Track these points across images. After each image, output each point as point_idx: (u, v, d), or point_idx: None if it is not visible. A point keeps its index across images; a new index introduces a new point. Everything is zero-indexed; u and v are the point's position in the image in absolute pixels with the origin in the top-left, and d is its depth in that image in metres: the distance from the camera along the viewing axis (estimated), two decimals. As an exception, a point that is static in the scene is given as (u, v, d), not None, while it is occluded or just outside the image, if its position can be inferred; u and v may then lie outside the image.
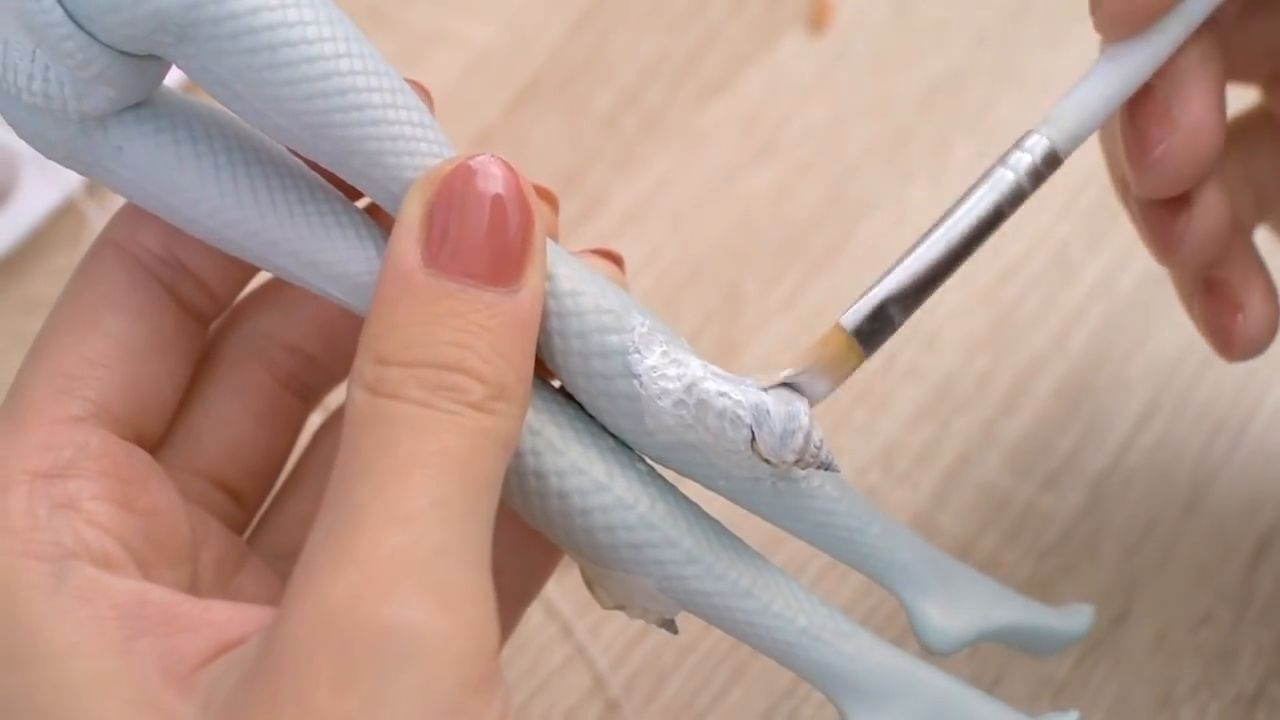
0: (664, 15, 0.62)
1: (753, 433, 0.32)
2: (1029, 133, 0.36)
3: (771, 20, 0.62)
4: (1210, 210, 0.38)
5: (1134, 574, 0.49)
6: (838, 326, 0.34)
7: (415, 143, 0.31)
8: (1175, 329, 0.54)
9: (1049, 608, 0.39)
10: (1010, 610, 0.38)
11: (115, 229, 0.34)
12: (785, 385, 0.33)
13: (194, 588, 0.33)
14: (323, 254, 0.32)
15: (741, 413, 0.32)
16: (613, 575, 0.34)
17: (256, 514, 0.37)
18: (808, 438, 0.33)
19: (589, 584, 0.35)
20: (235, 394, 0.36)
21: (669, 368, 0.33)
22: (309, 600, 0.28)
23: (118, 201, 0.34)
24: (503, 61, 0.61)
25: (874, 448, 0.52)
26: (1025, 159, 0.35)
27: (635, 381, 0.33)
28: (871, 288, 0.34)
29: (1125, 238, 0.56)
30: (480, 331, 0.30)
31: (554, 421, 0.33)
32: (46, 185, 0.55)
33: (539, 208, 0.31)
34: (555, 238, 0.34)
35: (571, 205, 0.57)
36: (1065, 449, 0.52)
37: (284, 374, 0.36)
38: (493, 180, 0.31)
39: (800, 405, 0.33)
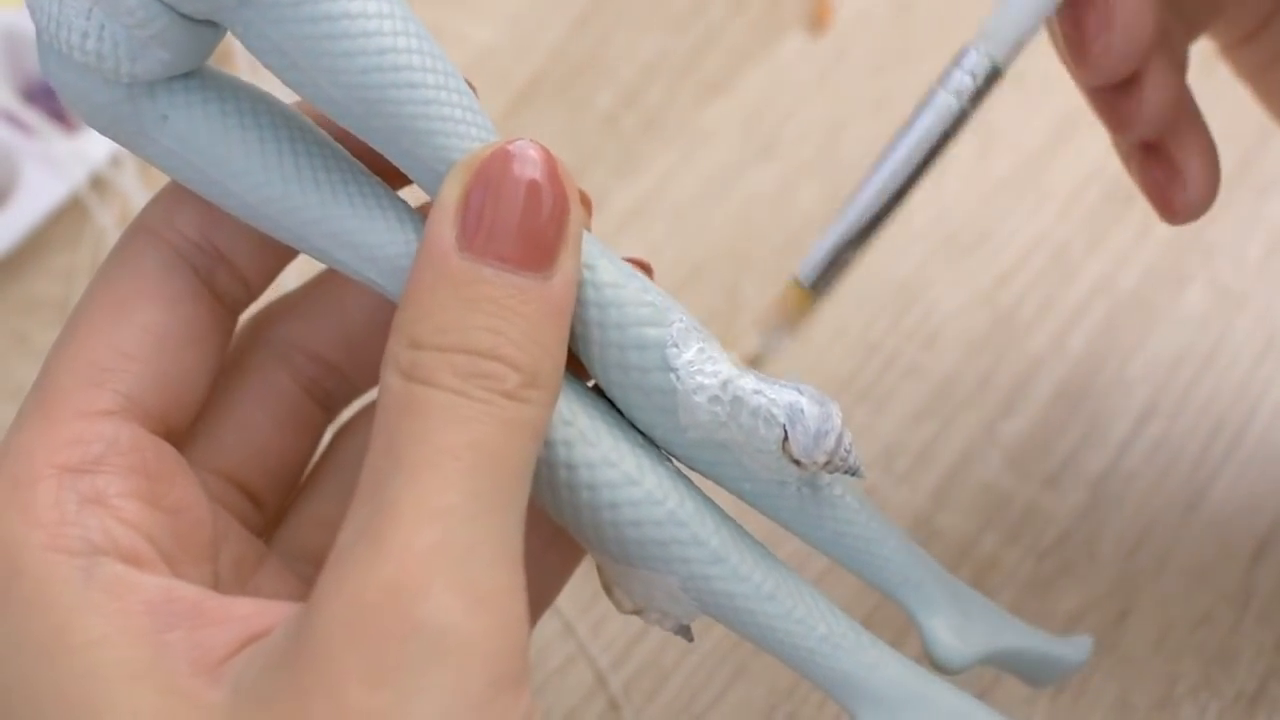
0: (665, 15, 0.62)
1: (785, 432, 0.32)
2: (966, 50, 0.34)
3: (772, 20, 0.62)
4: (1159, 86, 0.37)
5: (1134, 574, 0.49)
6: (795, 283, 0.33)
7: (464, 126, 0.31)
8: (1175, 329, 0.54)
9: (1051, 636, 0.39)
10: (1015, 635, 0.38)
11: (151, 214, 0.33)
12: (794, 388, 0.33)
13: (214, 586, 0.33)
14: (362, 235, 0.32)
15: (776, 411, 0.32)
16: (635, 575, 0.33)
17: (273, 517, 0.37)
18: (839, 440, 0.33)
19: (607, 587, 0.35)
20: (258, 397, 0.36)
21: (705, 364, 0.33)
22: (342, 594, 0.28)
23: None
24: (503, 61, 0.61)
25: (874, 448, 0.52)
26: (967, 81, 0.34)
27: (672, 375, 0.32)
28: (827, 237, 0.33)
29: (1125, 238, 0.56)
30: (514, 317, 0.30)
31: (585, 413, 0.33)
32: (47, 184, 0.55)
33: (575, 196, 0.31)
34: None
35: (572, 204, 0.57)
36: (1065, 449, 0.52)
37: (307, 380, 0.36)
38: (529, 165, 0.30)
39: (833, 407, 0.33)
